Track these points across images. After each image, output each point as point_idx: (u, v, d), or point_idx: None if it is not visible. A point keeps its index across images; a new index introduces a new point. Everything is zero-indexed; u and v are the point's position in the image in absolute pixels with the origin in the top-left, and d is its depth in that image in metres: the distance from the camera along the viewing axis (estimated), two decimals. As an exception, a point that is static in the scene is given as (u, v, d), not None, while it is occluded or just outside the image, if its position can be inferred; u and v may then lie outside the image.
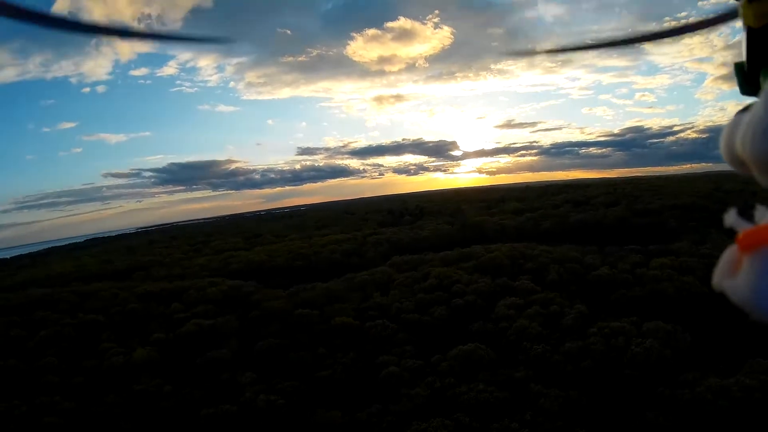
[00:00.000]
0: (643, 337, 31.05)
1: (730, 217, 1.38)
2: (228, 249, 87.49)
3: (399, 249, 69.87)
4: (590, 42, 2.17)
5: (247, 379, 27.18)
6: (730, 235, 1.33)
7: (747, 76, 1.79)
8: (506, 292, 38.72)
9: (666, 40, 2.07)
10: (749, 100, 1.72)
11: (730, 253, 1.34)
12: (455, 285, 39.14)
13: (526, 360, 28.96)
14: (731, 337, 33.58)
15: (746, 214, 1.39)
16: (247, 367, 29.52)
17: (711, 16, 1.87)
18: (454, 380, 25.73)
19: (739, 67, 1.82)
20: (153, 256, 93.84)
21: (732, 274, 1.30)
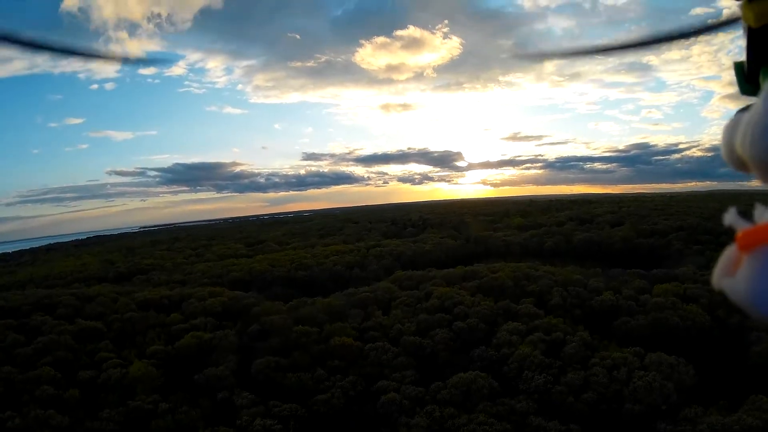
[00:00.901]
0: (645, 370, 30.66)
1: (730, 216, 1.39)
2: (229, 255, 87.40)
3: (402, 262, 69.62)
4: (600, 46, 2.17)
5: (245, 400, 26.84)
6: None
7: (747, 76, 1.81)
8: (509, 316, 38.36)
9: (675, 43, 2.04)
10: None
11: (729, 252, 1.36)
12: (457, 307, 38.77)
13: (528, 390, 28.57)
14: (733, 369, 33.31)
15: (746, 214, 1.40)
16: (245, 386, 29.21)
17: (718, 20, 1.86)
18: (455, 410, 25.35)
19: (739, 67, 1.84)
20: (154, 259, 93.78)
21: (731, 273, 1.31)
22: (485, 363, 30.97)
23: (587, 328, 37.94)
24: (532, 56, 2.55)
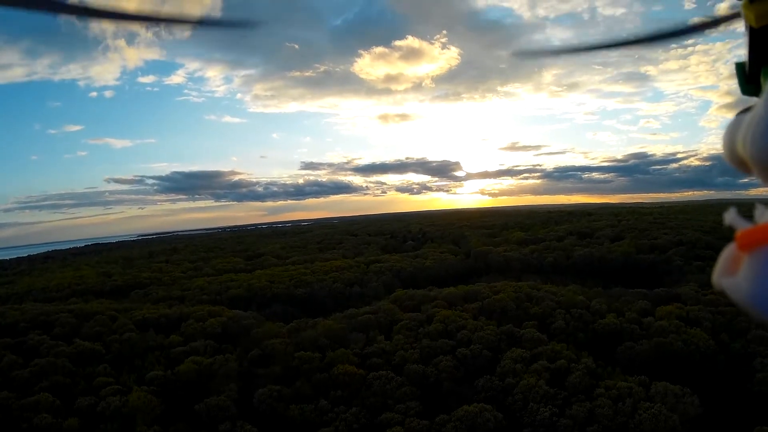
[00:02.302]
0: (650, 401, 30.40)
1: (730, 216, 1.41)
2: (228, 270, 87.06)
3: (402, 279, 69.39)
4: (598, 42, 2.15)
5: (247, 434, 26.43)
6: None
7: (748, 77, 1.81)
8: (512, 342, 38.07)
9: (673, 40, 2.05)
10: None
11: (729, 251, 1.39)
12: (461, 332, 38.46)
13: (533, 423, 28.22)
14: (738, 397, 33.07)
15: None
16: (247, 416, 28.76)
17: (716, 16, 1.85)
18: (459, 445, 24.99)
19: (740, 67, 1.84)
20: (152, 272, 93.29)
21: (731, 273, 1.34)
22: (490, 393, 30.62)
23: (591, 354, 37.68)
24: (532, 54, 2.53)
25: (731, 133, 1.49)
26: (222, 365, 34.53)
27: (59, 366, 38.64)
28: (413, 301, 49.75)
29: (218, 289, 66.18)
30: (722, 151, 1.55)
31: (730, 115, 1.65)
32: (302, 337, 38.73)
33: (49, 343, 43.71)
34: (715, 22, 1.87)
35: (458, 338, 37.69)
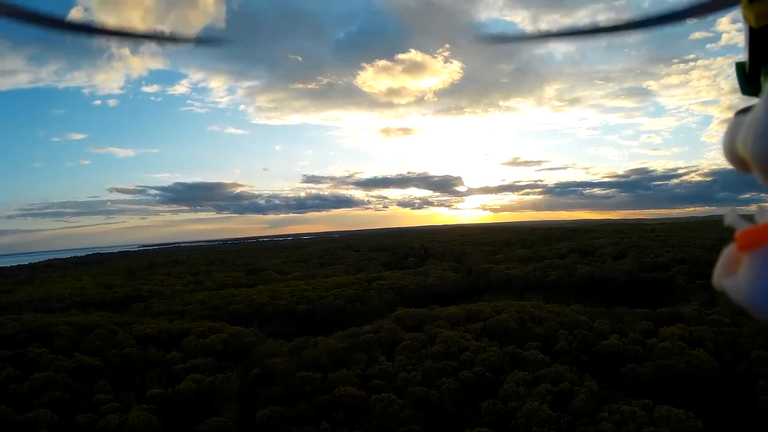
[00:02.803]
0: (654, 425, 30.17)
1: (730, 216, 1.41)
2: (230, 284, 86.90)
3: (404, 297, 69.20)
4: (602, 25, 2.02)
5: (247, 457, 26.16)
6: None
7: (748, 77, 1.80)
8: (515, 363, 37.86)
9: (668, 24, 1.96)
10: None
11: (729, 251, 1.39)
12: (463, 353, 38.26)
13: (536, 448, 27.94)
14: (741, 421, 32.81)
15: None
16: (247, 438, 28.55)
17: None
18: (462, 471, 24.71)
19: (740, 67, 1.84)
20: (153, 284, 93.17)
21: (731, 273, 1.34)
22: (493, 417, 30.37)
23: (594, 375, 37.47)
24: (499, 38, 2.44)
25: (731, 133, 1.49)
26: (223, 384, 34.30)
27: (58, 381, 38.43)
28: (415, 320, 49.58)
29: (219, 304, 65.97)
30: (723, 151, 1.55)
31: None
32: (304, 356, 38.54)
33: (49, 357, 43.52)
34: (719, 4, 1.82)
35: (461, 359, 37.48)
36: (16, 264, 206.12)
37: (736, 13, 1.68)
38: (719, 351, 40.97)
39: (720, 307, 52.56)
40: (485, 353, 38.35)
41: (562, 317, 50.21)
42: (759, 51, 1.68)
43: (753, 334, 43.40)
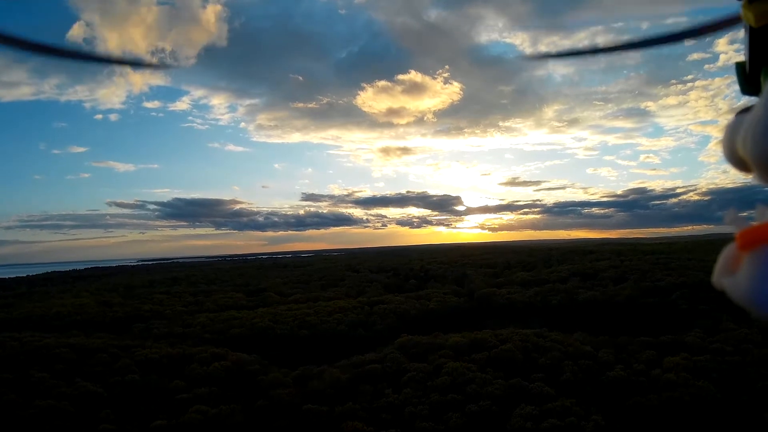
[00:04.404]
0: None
1: (730, 216, 1.41)
2: (230, 306, 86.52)
3: (406, 322, 69.02)
4: (601, 46, 2.14)
5: (254, 496, 25.88)
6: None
7: (748, 77, 1.81)
8: (521, 397, 37.66)
9: (673, 43, 2.01)
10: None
11: (729, 250, 1.40)
12: (469, 385, 38.08)
13: (545, 488, 27.70)
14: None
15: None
16: (252, 475, 28.25)
17: (716, 19, 1.83)
18: None
19: (740, 67, 1.85)
20: (153, 304, 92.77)
21: (731, 272, 1.35)
22: (501, 455, 30.14)
23: (599, 408, 37.43)
24: (548, 56, 2.56)
25: (731, 133, 1.50)
26: (227, 417, 34.01)
27: (61, 409, 38.10)
28: (419, 348, 49.38)
29: (221, 328, 65.64)
30: (722, 151, 1.57)
31: None
32: (309, 387, 38.29)
33: (50, 383, 43.19)
34: (717, 25, 1.86)
35: (467, 392, 37.28)
36: (14, 276, 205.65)
37: (734, 34, 1.77)
38: (724, 381, 40.95)
39: (724, 334, 52.52)
40: (491, 386, 38.19)
41: (567, 347, 50.08)
42: (759, 51, 1.71)
43: (757, 363, 43.41)
